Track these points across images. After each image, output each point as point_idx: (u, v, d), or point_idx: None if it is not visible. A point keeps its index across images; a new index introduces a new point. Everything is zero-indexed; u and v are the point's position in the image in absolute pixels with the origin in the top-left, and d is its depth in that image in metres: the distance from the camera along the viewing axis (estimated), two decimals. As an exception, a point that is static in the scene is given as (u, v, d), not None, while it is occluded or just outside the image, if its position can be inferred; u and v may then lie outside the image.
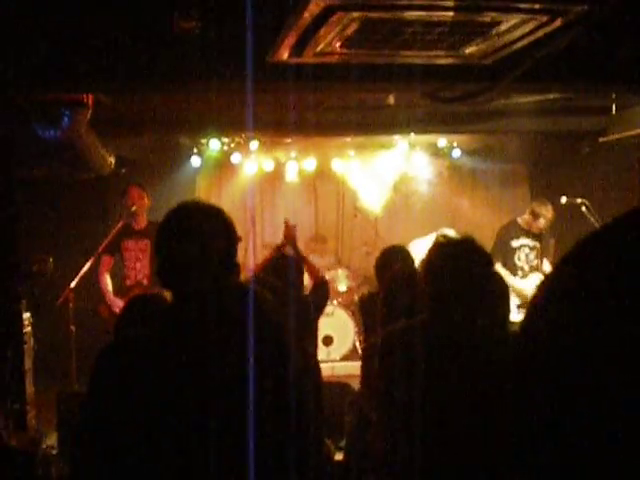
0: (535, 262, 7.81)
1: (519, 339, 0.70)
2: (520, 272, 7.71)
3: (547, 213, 7.82)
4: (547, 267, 7.86)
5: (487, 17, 3.76)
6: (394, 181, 10.59)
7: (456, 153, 10.38)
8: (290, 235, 5.96)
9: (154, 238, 2.51)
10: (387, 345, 3.26)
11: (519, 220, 7.92)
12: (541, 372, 0.66)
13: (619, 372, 0.60)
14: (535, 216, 7.80)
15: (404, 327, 3.29)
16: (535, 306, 0.70)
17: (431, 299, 3.18)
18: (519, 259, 7.79)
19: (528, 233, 7.87)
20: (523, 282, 7.61)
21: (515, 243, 7.82)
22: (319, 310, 5.39)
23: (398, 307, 4.01)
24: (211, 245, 2.45)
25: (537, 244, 7.84)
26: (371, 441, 3.68)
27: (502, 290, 3.58)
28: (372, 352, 4.19)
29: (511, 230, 7.90)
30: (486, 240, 8.17)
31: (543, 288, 0.71)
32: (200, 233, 2.46)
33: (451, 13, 3.70)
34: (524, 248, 7.86)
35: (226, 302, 2.49)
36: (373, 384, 3.49)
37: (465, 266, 3.11)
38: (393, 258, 5.17)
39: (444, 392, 3.02)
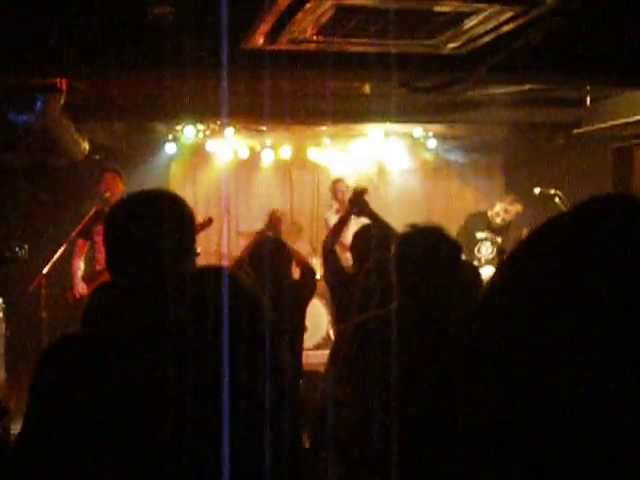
0: (491, 256, 7.93)
1: (470, 324, 0.71)
2: (476, 262, 7.79)
3: (516, 210, 8.07)
4: None
5: (462, 7, 3.77)
6: (369, 170, 10.61)
7: (431, 143, 10.39)
8: (274, 223, 5.89)
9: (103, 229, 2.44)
10: (357, 335, 3.27)
11: (489, 213, 8.05)
12: (486, 363, 0.67)
13: (562, 365, 0.61)
14: (505, 212, 8.01)
15: (373, 317, 3.30)
16: (486, 295, 0.71)
17: (400, 289, 3.19)
18: (479, 251, 7.95)
19: (494, 227, 8.05)
20: None
21: (480, 235, 7.99)
22: (307, 298, 5.36)
23: (376, 294, 4.00)
24: (164, 231, 2.38)
25: (498, 239, 7.99)
26: (339, 424, 3.69)
27: (474, 278, 3.60)
28: (342, 339, 4.21)
29: (479, 222, 8.04)
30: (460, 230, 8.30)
31: (496, 277, 0.72)
32: (150, 219, 2.37)
33: (426, 2, 3.71)
34: (486, 242, 8.05)
35: (188, 288, 2.45)
36: (342, 370, 3.49)
37: (433, 255, 3.13)
38: (371, 240, 5.11)
39: (414, 381, 3.03)
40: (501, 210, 8.06)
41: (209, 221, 7.09)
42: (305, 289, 5.34)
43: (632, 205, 0.69)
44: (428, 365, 3.07)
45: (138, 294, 2.36)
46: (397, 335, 3.03)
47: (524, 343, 0.64)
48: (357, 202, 5.56)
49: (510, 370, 0.64)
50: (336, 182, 9.36)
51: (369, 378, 3.08)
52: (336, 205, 9.25)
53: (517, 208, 8.07)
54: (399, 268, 3.19)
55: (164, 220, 2.38)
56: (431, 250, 3.14)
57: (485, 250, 7.96)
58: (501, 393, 0.65)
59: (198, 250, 2.59)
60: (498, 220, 8.06)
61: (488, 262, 7.89)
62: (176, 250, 2.38)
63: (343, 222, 5.60)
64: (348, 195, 5.65)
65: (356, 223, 5.80)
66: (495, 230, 8.02)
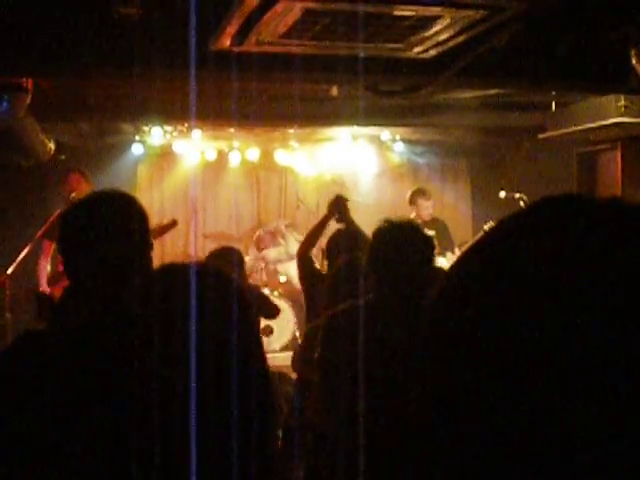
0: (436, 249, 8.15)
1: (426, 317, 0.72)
2: None
3: (424, 202, 8.55)
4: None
5: (426, 11, 3.80)
6: (337, 173, 10.64)
7: (399, 147, 10.44)
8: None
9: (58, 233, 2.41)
10: (332, 324, 3.31)
11: (412, 216, 8.39)
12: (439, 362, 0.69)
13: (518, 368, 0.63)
14: (416, 206, 8.48)
15: (349, 307, 3.34)
16: (439, 294, 0.72)
17: (376, 281, 3.24)
18: None
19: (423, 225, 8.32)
20: None
21: None
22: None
23: (343, 293, 4.03)
24: (116, 231, 2.37)
25: (433, 232, 8.22)
26: (312, 415, 3.71)
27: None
28: (307, 339, 4.24)
29: None
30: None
31: (447, 275, 0.73)
32: (102, 220, 2.35)
33: (392, 6, 3.74)
34: None
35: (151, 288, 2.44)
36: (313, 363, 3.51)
37: (410, 246, 3.19)
38: (343, 243, 5.17)
39: (389, 370, 3.05)
40: (414, 202, 8.60)
41: (174, 223, 7.06)
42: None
43: (584, 204, 0.71)
44: (406, 357, 3.10)
45: (94, 293, 2.34)
46: (376, 325, 3.08)
47: (478, 333, 0.65)
48: (339, 209, 5.58)
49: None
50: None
51: (340, 372, 3.10)
52: None
53: (424, 203, 8.55)
54: (376, 260, 3.25)
55: (117, 220, 2.37)
56: (407, 242, 3.21)
57: None
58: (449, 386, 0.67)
59: (154, 248, 2.57)
60: (421, 216, 8.52)
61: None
62: (130, 249, 2.37)
63: (321, 227, 5.62)
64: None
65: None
66: (425, 226, 8.35)
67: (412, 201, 8.65)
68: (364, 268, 3.39)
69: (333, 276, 4.48)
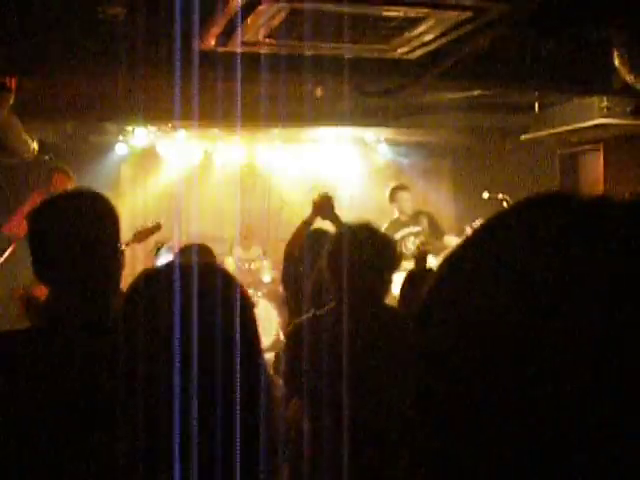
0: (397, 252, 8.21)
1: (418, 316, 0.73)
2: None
3: (404, 194, 8.61)
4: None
5: (411, 12, 3.82)
6: (321, 174, 10.64)
7: (382, 148, 10.47)
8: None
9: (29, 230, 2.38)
10: (295, 336, 3.31)
11: (395, 215, 8.59)
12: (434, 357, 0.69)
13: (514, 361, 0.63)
14: (397, 202, 8.52)
15: (311, 318, 3.33)
16: (432, 287, 0.73)
17: (336, 288, 3.22)
18: (406, 247, 8.22)
19: (406, 223, 8.53)
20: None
21: (398, 235, 8.31)
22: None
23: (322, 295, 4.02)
24: (85, 229, 2.35)
25: (418, 228, 8.46)
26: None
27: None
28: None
29: (394, 226, 8.50)
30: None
31: (440, 269, 0.74)
32: (70, 218, 2.33)
33: (378, 7, 3.75)
34: (408, 237, 8.48)
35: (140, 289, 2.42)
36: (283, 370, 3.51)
37: (365, 253, 3.17)
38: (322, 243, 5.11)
39: (354, 377, 3.06)
40: (396, 208, 8.60)
41: (158, 226, 7.01)
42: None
43: (569, 201, 0.71)
44: (378, 356, 3.11)
45: (65, 291, 2.32)
46: (339, 332, 3.05)
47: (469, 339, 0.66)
48: (323, 206, 5.51)
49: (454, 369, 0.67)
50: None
51: (304, 383, 3.10)
52: None
53: (404, 195, 8.60)
54: (334, 268, 3.23)
55: (85, 218, 2.35)
56: (366, 248, 3.19)
57: (411, 244, 8.34)
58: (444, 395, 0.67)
59: (123, 248, 2.55)
60: (403, 218, 8.58)
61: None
62: (99, 248, 2.35)
63: (307, 227, 5.51)
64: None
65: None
66: (409, 223, 8.41)
67: (392, 198, 8.70)
68: (325, 275, 3.37)
69: (315, 279, 4.46)
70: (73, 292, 2.30)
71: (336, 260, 3.21)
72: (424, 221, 8.61)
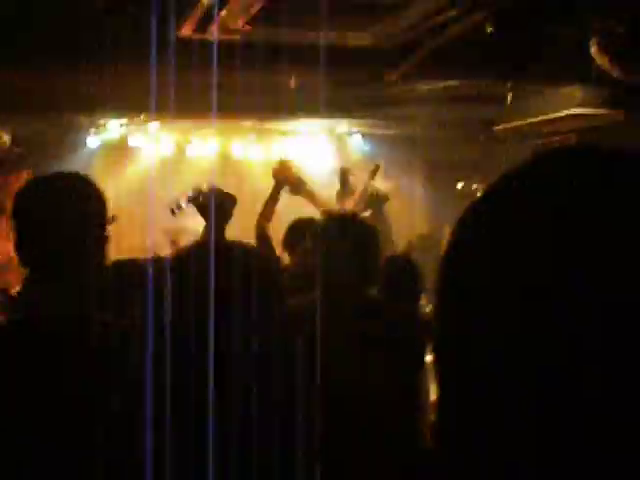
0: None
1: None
2: None
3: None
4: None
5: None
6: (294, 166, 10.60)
7: (357, 140, 10.46)
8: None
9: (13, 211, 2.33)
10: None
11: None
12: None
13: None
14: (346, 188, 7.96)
15: (294, 306, 3.32)
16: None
17: (320, 276, 3.22)
18: None
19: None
20: None
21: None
22: None
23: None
24: (70, 211, 2.30)
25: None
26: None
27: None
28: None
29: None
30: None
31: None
32: (55, 199, 2.31)
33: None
34: None
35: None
36: None
37: (349, 241, 3.17)
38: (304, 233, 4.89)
39: (337, 366, 3.05)
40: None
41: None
42: None
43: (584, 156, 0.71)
44: (369, 343, 3.11)
45: (47, 274, 2.28)
46: (320, 322, 3.05)
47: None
48: (286, 175, 5.05)
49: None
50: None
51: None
52: None
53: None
54: (323, 253, 3.23)
55: (70, 199, 2.31)
56: (351, 233, 3.19)
57: None
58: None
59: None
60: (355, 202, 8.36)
61: None
62: (86, 231, 2.31)
63: (273, 200, 5.08)
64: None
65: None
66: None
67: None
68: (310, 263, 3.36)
69: (293, 271, 4.43)
70: (55, 274, 2.27)
71: (319, 248, 3.21)
72: (445, 230, 8.42)
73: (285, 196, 5.29)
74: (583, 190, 0.64)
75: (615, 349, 0.59)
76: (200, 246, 1.90)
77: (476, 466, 0.65)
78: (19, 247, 2.29)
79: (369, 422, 3.06)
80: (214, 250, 1.79)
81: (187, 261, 1.84)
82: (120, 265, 3.47)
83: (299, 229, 4.89)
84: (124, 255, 6.82)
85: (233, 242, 2.10)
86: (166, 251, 5.99)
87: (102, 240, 2.39)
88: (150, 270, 2.34)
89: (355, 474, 3.03)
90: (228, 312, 1.72)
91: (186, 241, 5.21)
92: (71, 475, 2.08)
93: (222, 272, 1.73)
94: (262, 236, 5.00)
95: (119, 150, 10.04)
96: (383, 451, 3.06)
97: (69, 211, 2.30)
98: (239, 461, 1.73)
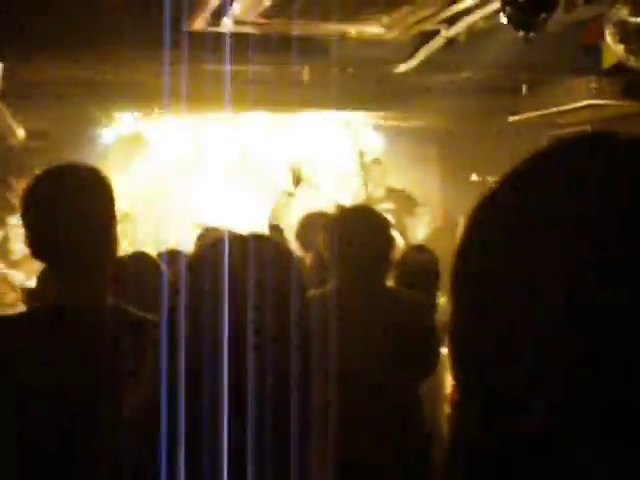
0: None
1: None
2: None
3: (376, 168, 8.65)
4: None
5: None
6: (306, 159, 10.58)
7: (368, 132, 10.44)
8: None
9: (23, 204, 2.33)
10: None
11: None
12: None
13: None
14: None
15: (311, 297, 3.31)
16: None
17: (337, 268, 3.23)
18: None
19: (379, 199, 8.41)
20: None
21: None
22: None
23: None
24: (85, 204, 2.28)
25: (391, 206, 8.28)
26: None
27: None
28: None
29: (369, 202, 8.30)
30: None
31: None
32: (69, 191, 2.30)
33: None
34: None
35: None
36: None
37: (365, 232, 3.18)
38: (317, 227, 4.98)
39: (357, 357, 3.06)
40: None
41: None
42: None
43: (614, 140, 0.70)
44: (373, 342, 3.11)
45: (62, 266, 2.28)
46: (338, 313, 3.05)
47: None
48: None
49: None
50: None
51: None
52: None
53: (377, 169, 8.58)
54: (334, 248, 3.23)
55: (81, 191, 2.30)
56: (367, 224, 3.20)
57: None
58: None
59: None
60: (376, 194, 8.48)
61: None
62: (97, 223, 2.30)
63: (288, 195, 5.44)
64: None
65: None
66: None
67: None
68: (326, 256, 3.36)
69: (313, 259, 4.43)
70: (71, 266, 2.26)
71: (335, 241, 3.22)
72: (397, 199, 8.49)
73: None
74: (603, 175, 0.64)
75: (637, 340, 0.58)
76: (237, 238, 1.90)
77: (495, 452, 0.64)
78: (32, 239, 2.28)
79: (385, 410, 3.06)
80: (243, 242, 1.80)
81: (218, 254, 1.83)
82: (137, 258, 3.49)
83: (312, 223, 4.93)
84: (138, 248, 6.84)
85: (262, 235, 2.12)
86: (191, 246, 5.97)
87: (113, 228, 2.38)
88: (181, 263, 2.30)
89: (371, 465, 3.04)
90: (260, 304, 1.73)
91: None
92: (94, 460, 2.10)
93: (254, 266, 1.74)
94: (275, 227, 5.13)
95: (134, 143, 10.05)
96: (398, 439, 3.06)
97: (79, 202, 2.29)
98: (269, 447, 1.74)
